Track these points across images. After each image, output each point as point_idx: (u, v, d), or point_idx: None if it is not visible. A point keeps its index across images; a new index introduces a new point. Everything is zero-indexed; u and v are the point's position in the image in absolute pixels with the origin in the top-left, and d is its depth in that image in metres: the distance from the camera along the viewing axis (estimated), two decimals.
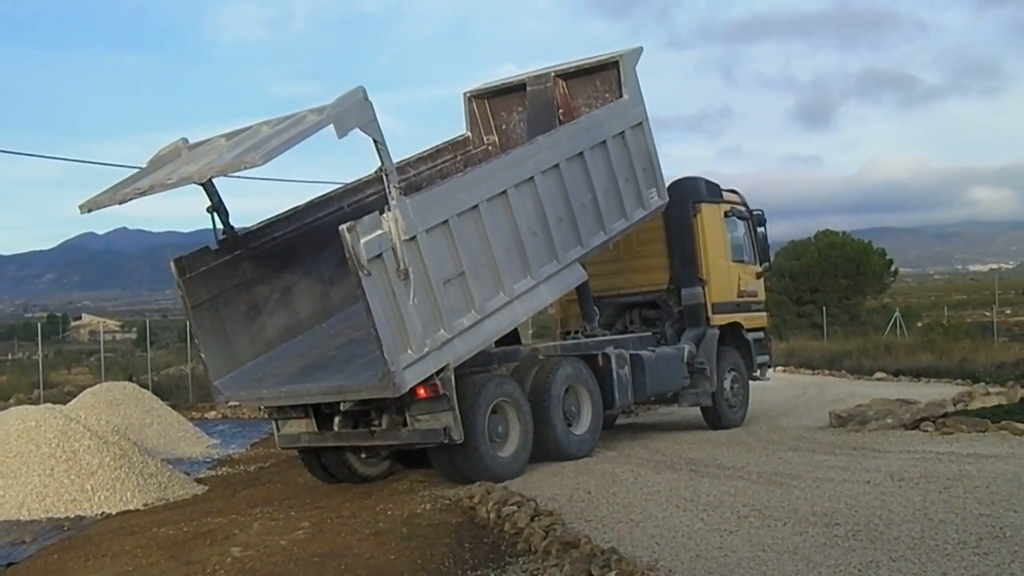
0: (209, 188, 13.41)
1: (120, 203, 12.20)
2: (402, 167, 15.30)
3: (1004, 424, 15.70)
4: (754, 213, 19.76)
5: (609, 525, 10.16)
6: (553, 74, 17.41)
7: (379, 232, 11.89)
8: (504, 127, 18.29)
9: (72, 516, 13.25)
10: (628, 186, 16.32)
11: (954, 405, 17.95)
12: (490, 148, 18.07)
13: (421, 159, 16.95)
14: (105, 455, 14.36)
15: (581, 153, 15.37)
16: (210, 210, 13.61)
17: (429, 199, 12.85)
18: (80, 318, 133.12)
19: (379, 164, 12.06)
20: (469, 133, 18.25)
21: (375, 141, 11.94)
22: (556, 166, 14.88)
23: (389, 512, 11.73)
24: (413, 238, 12.26)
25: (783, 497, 11.07)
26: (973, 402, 18.21)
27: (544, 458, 14.28)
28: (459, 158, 17.65)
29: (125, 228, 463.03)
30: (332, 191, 15.38)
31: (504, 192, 13.90)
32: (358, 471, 14.40)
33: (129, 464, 14.50)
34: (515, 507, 10.63)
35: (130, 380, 27.83)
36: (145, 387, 25.50)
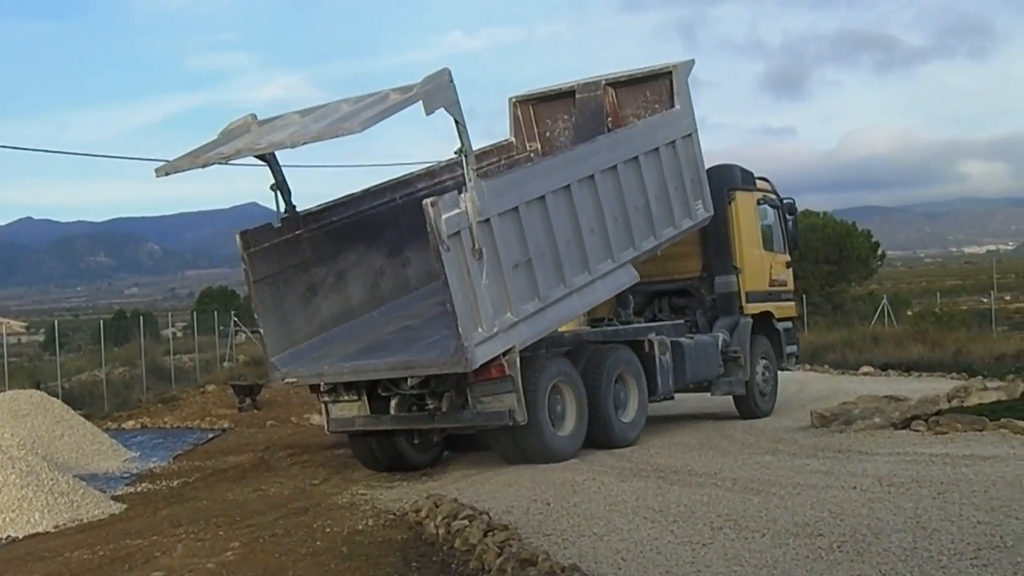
0: (274, 166, 15.25)
1: (203, 166, 13.90)
2: (450, 166, 17.17)
3: (1003, 422, 15.80)
4: (784, 201, 21.51)
5: (570, 540, 10.20)
6: (604, 82, 19.46)
7: (457, 211, 13.54)
8: (548, 134, 20.30)
9: None
10: (677, 195, 18.17)
11: (948, 402, 18.13)
12: (532, 155, 19.93)
13: None
14: (9, 472, 14.22)
15: (636, 157, 17.18)
16: (273, 188, 15.40)
17: (503, 184, 14.72)
18: None
19: (459, 145, 13.64)
20: (513, 138, 20.29)
21: (456, 122, 13.54)
22: (614, 167, 16.67)
23: (327, 529, 11.72)
24: (487, 220, 13.95)
25: (761, 506, 11.15)
26: (969, 398, 18.42)
27: (590, 444, 15.83)
28: (503, 162, 19.64)
29: (30, 218, 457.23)
30: (386, 182, 17.15)
31: (568, 186, 15.68)
32: (409, 457, 15.90)
33: (37, 481, 14.37)
34: (466, 521, 10.67)
35: (37, 387, 27.45)
36: (55, 395, 25.21)
